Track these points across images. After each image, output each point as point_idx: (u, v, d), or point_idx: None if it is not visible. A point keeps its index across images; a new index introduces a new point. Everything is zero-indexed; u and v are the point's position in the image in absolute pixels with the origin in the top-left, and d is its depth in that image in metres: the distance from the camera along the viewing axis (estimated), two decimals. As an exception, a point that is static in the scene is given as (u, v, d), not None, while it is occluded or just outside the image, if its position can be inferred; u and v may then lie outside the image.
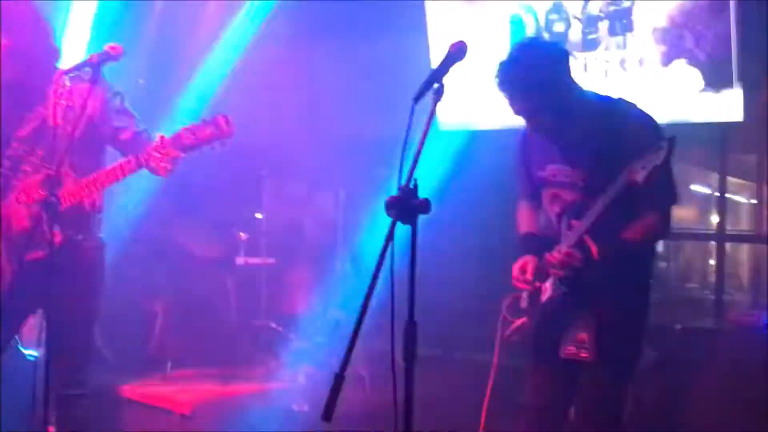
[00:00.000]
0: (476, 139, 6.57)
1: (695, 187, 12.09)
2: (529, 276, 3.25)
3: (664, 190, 3.06)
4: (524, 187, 3.51)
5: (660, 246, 11.94)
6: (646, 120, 3.10)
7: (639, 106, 3.16)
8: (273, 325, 6.60)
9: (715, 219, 7.74)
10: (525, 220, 3.52)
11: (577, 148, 3.15)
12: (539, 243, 3.34)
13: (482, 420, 3.36)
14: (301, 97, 7.51)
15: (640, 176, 2.80)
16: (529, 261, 3.28)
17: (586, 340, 3.14)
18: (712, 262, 11.42)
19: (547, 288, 3.20)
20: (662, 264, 11.30)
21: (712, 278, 9.06)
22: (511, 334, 3.36)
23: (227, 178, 6.80)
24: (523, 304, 3.35)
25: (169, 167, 3.46)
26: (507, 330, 3.34)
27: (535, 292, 3.26)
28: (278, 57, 6.95)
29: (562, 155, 3.21)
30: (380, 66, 7.05)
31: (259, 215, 7.06)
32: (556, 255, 3.06)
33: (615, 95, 3.23)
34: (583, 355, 3.14)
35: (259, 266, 6.69)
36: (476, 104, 6.43)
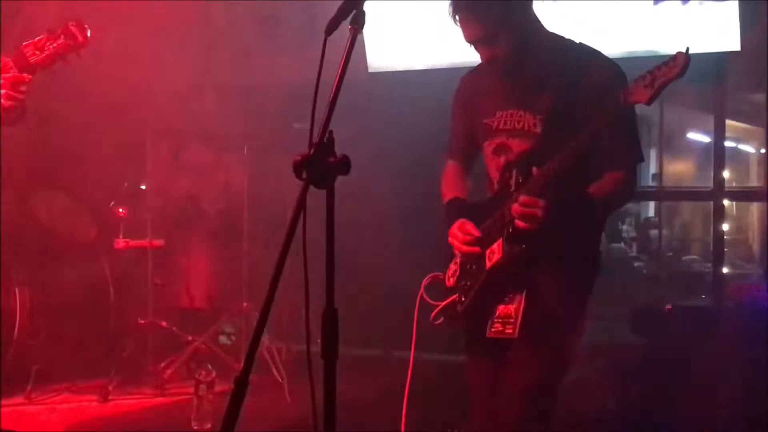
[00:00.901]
0: (412, 81, 6.60)
1: (692, 135, 12.32)
2: (476, 233, 3.38)
3: (629, 145, 3.29)
4: (457, 142, 3.70)
5: (650, 209, 12.17)
6: (612, 67, 3.31)
7: (603, 53, 3.36)
8: (164, 323, 6.61)
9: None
10: (452, 184, 3.68)
11: (535, 88, 3.34)
12: (469, 210, 3.51)
13: (402, 428, 3.44)
14: (194, 34, 7.45)
15: (644, 95, 2.91)
16: (466, 222, 3.43)
17: (512, 313, 3.27)
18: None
19: (495, 250, 3.29)
20: (653, 232, 11.53)
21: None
22: (436, 315, 3.48)
23: (101, 139, 6.74)
24: (451, 281, 3.49)
25: (14, 95, 3.45)
26: (432, 313, 3.47)
27: (477, 260, 3.38)
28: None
29: (515, 97, 3.39)
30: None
31: (142, 186, 7.03)
32: (515, 206, 3.15)
33: (576, 39, 3.43)
34: (507, 331, 3.26)
35: (144, 250, 6.68)
36: (414, 39, 6.45)
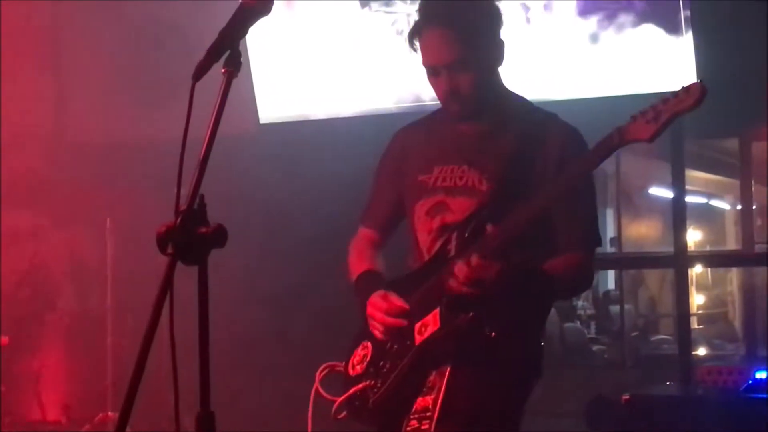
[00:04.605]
0: (310, 134, 6.66)
1: (655, 191, 12.53)
2: (404, 305, 3.43)
3: (588, 225, 3.46)
4: (378, 206, 3.81)
5: (610, 281, 12.27)
6: (574, 134, 3.46)
7: (560, 118, 3.53)
8: (10, 442, 6.55)
9: (689, 235, 8.09)
10: (365, 255, 3.76)
11: (485, 143, 3.49)
12: (388, 285, 3.57)
13: None
14: (42, 78, 7.46)
15: (646, 132, 2.98)
16: (388, 293, 3.50)
17: (430, 405, 3.31)
18: (696, 298, 11.58)
19: (429, 322, 3.37)
20: (614, 308, 11.67)
21: (695, 323, 9.35)
22: (339, 408, 3.51)
23: None
24: (357, 369, 3.53)
25: None
26: (335, 404, 3.50)
27: (399, 339, 3.44)
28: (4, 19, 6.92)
29: (459, 151, 3.52)
30: (163, 32, 7.09)
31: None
32: (462, 268, 3.21)
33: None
34: (423, 428, 3.29)
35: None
36: (317, 84, 6.53)
